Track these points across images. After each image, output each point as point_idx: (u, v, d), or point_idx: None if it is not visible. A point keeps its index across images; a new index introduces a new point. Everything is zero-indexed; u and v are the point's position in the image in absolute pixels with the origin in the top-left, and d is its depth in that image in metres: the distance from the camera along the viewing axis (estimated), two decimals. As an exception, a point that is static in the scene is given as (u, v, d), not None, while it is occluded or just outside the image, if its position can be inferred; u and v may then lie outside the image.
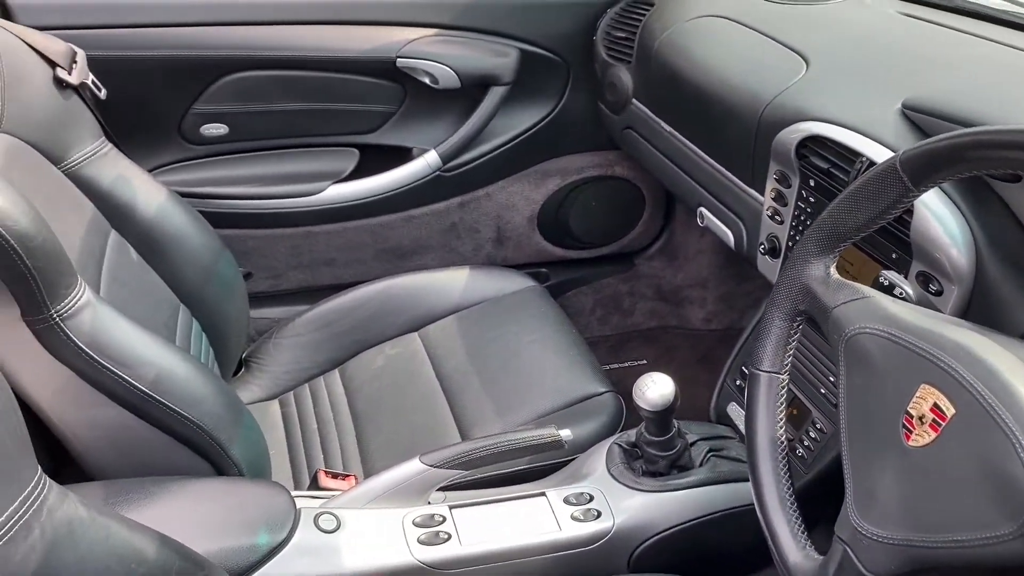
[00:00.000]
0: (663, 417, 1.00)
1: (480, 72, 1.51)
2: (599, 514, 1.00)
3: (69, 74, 1.17)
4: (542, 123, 1.61)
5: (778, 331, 0.75)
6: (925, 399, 0.59)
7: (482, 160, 1.59)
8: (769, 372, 0.76)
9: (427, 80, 1.48)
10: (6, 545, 0.58)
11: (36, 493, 0.62)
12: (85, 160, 1.18)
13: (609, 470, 1.05)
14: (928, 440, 0.58)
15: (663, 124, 1.38)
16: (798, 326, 0.75)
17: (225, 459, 1.00)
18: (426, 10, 1.47)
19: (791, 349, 0.76)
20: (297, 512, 0.92)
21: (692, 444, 1.07)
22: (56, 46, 1.18)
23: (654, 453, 1.03)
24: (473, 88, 1.52)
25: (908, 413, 0.60)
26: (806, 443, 1.03)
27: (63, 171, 1.14)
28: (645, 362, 1.84)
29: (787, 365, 0.76)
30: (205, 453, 0.99)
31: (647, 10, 1.46)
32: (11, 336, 0.88)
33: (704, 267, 1.84)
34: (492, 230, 1.69)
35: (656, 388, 0.98)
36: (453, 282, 1.50)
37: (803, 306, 0.73)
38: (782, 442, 0.76)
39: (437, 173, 1.56)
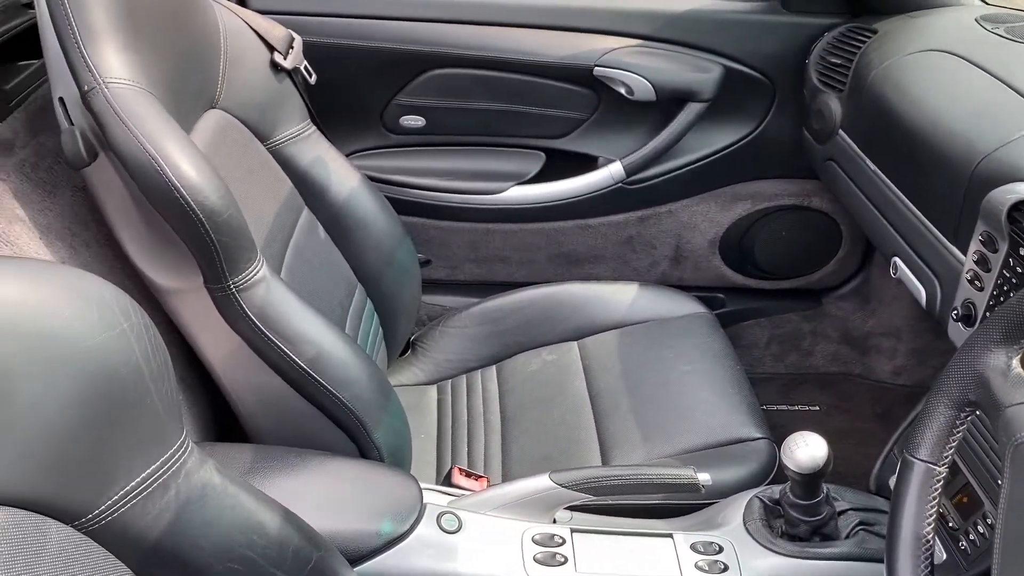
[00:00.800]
0: (811, 481, 0.93)
1: (678, 87, 1.46)
2: (726, 568, 0.95)
3: (284, 59, 1.26)
4: (738, 144, 1.55)
5: (942, 419, 0.68)
6: (1099, 534, 0.51)
7: (668, 176, 1.55)
8: (926, 462, 0.69)
9: (622, 91, 1.46)
10: (143, 501, 0.63)
11: (178, 455, 0.67)
12: (289, 140, 1.26)
13: (745, 524, 1.00)
14: (1095, 583, 0.50)
15: (868, 162, 1.28)
16: (966, 417, 0.67)
17: (368, 441, 1.04)
18: (629, 20, 1.45)
19: (955, 440, 0.68)
20: (423, 507, 0.94)
21: (840, 513, 0.99)
22: (277, 31, 1.27)
23: (796, 516, 0.96)
24: (669, 102, 1.48)
25: (1075, 546, 0.52)
26: (972, 537, 0.93)
27: (268, 148, 1.23)
28: (817, 408, 1.73)
29: (947, 457, 0.68)
30: (350, 433, 1.03)
31: (868, 38, 1.35)
32: (194, 300, 0.96)
33: (899, 316, 1.70)
34: (670, 248, 1.64)
35: (807, 450, 0.91)
36: (620, 296, 1.48)
37: (974, 396, 0.65)
38: (928, 541, 0.68)
39: (619, 185, 1.54)
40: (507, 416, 1.36)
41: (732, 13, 1.46)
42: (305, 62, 1.31)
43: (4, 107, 1.03)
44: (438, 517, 0.94)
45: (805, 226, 1.64)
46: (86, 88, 0.87)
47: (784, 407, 1.72)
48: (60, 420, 0.56)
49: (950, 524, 0.96)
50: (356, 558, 0.88)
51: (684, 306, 1.47)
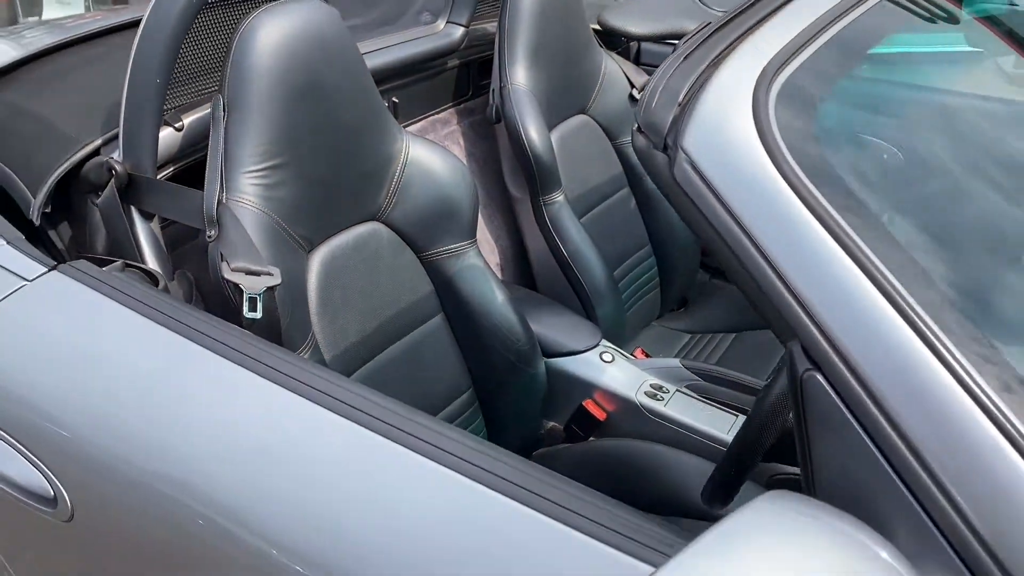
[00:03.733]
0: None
1: None
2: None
3: (639, 93, 2.02)
4: None
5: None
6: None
7: None
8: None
9: None
10: (445, 259, 1.44)
11: (466, 247, 1.46)
12: (629, 143, 2.01)
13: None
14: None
15: None
16: None
17: (592, 313, 1.77)
18: None
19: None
20: (597, 345, 1.63)
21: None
22: (639, 77, 2.03)
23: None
24: None
25: None
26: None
27: (612, 144, 2.00)
28: None
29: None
30: (584, 304, 1.77)
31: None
32: (525, 208, 1.78)
33: None
34: None
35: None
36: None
37: None
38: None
39: None
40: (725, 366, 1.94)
41: None
42: (654, 98, 2.04)
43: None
44: (600, 353, 1.62)
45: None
46: (502, 85, 1.73)
47: None
48: (427, 204, 1.40)
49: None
50: (545, 353, 1.60)
51: None
